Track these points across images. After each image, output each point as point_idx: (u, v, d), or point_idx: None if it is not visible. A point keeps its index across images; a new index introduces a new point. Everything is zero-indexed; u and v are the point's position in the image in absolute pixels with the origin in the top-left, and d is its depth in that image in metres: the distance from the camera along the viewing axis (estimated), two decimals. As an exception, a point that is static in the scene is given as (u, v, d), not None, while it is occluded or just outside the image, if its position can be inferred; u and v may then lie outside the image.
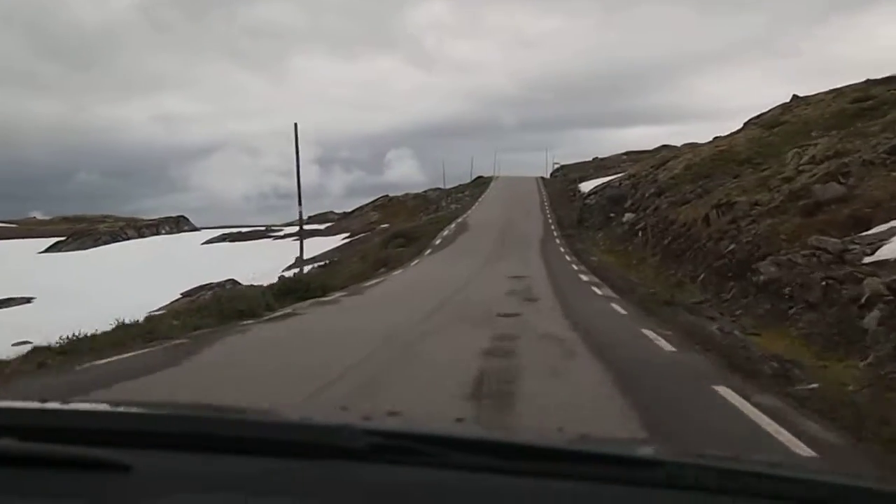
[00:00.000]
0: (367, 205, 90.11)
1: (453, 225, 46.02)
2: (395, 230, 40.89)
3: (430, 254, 33.21)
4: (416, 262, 30.16)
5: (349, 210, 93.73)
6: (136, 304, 20.62)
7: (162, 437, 1.32)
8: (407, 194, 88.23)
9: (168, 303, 32.04)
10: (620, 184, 44.13)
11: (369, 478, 1.20)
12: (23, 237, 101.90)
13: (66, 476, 1.19)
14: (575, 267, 26.96)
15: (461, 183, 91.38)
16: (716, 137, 44.65)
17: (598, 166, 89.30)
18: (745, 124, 46.16)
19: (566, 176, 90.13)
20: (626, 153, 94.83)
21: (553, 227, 45.71)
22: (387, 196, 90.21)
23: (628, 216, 37.99)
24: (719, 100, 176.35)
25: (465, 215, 51.97)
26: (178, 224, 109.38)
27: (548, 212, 55.84)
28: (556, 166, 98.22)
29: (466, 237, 39.19)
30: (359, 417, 1.44)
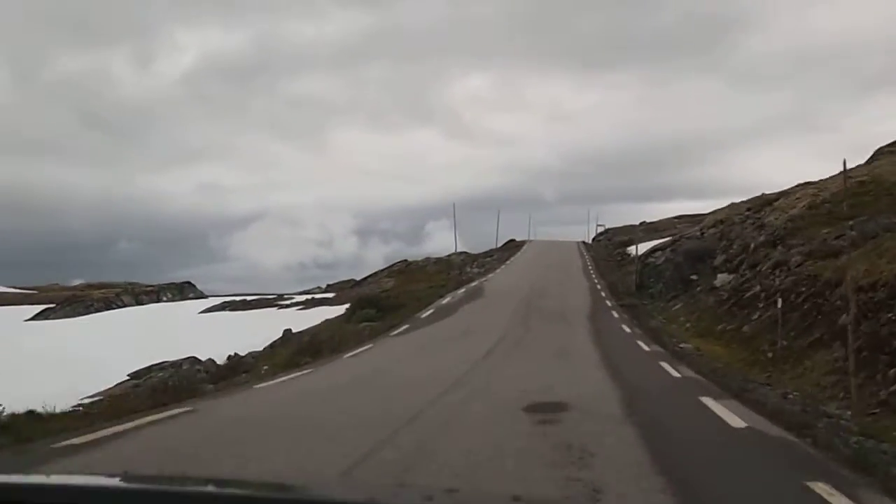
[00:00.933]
0: (382, 270, 76.92)
1: (462, 290, 32.21)
2: (364, 295, 26.88)
3: (400, 334, 19.35)
4: (363, 348, 16.19)
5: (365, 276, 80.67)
6: (77, 385, 13.56)
7: None
8: (428, 259, 74.73)
9: (111, 386, 24.42)
10: (703, 233, 30.00)
11: None
12: (34, 303, 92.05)
13: None
14: (672, 370, 12.59)
15: (491, 248, 78.02)
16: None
17: (648, 229, 75.03)
18: (877, 153, 32.04)
19: (611, 240, 75.91)
20: (679, 217, 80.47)
21: (604, 294, 31.65)
22: (405, 261, 76.90)
23: (724, 278, 23.81)
24: (760, 175, 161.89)
25: (483, 279, 38.17)
26: (183, 291, 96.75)
27: (594, 276, 41.67)
28: (601, 229, 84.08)
29: (473, 308, 25.30)
30: (421, 497, 1.47)
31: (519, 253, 62.15)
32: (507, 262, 52.12)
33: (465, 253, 73.32)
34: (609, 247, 70.89)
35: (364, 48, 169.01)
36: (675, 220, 78.27)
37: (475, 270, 52.43)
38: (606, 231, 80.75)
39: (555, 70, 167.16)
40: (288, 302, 72.82)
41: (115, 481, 1.60)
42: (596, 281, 38.08)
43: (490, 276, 40.71)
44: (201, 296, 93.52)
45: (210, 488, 1.52)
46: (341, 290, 74.67)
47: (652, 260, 32.25)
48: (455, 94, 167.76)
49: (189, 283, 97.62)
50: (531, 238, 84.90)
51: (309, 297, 73.48)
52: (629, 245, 63.44)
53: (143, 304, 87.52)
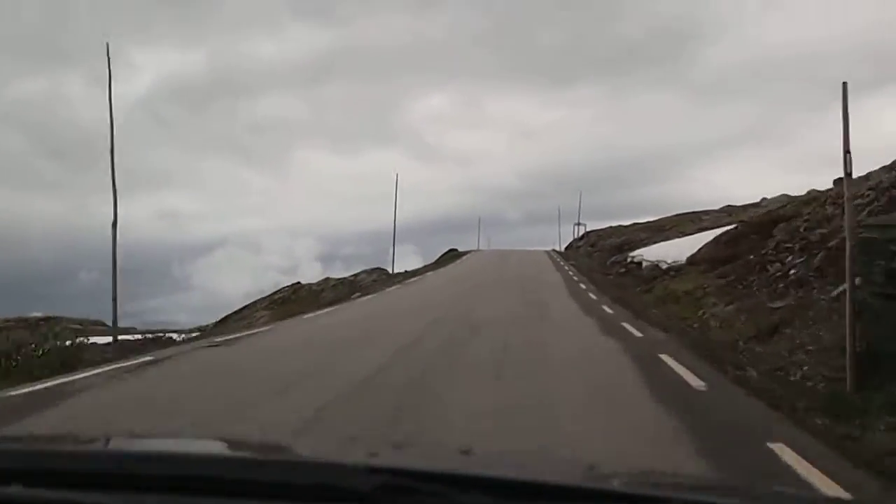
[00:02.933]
0: (263, 298, 50.12)
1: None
2: None
3: None
4: None
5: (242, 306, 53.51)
6: None
7: (161, 480, 1.23)
8: (327, 279, 48.44)
9: None
10: None
11: None
12: None
13: None
14: None
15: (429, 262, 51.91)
16: None
17: (650, 229, 49.90)
18: None
19: (595, 245, 50.47)
20: (679, 214, 55.10)
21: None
22: (298, 283, 50.45)
23: None
24: (723, 189, 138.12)
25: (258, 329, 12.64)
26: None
27: (609, 310, 15.67)
28: (581, 232, 57.96)
29: None
30: (365, 452, 1.36)
31: (452, 265, 36.41)
32: (417, 277, 26.71)
33: (381, 270, 47.23)
34: (594, 255, 45.33)
35: (324, 68, 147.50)
36: (678, 218, 53.30)
37: (358, 296, 26.67)
38: (587, 234, 55.41)
39: (517, 87, 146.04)
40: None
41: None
42: (637, 332, 12.38)
43: (336, 309, 15.16)
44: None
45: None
46: (217, 327, 47.64)
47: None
48: (417, 113, 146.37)
49: (51, 317, 69.25)
50: (480, 248, 59.25)
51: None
52: (633, 248, 38.10)
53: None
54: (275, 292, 49.04)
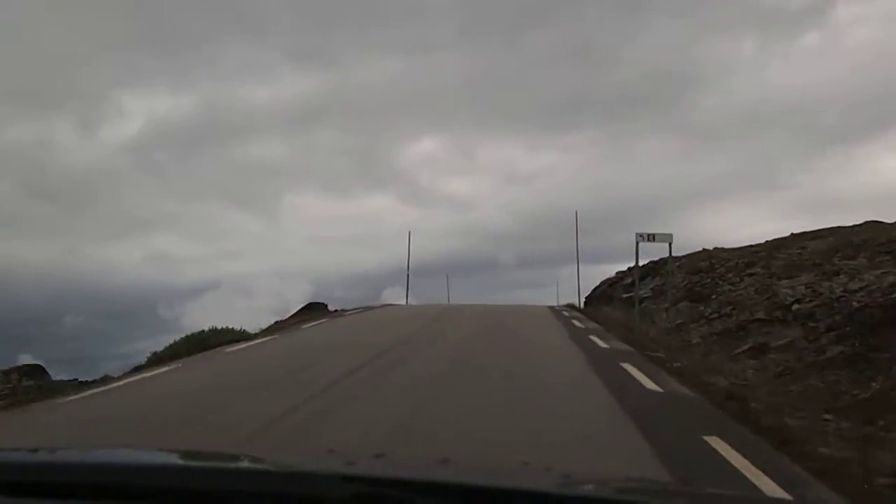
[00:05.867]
0: None
1: None
2: None
3: None
4: None
5: None
6: None
7: (133, 489, 1.20)
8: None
9: None
10: None
11: None
12: None
13: None
14: None
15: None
16: None
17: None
18: None
19: (695, 293, 18.53)
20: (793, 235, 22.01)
21: None
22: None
23: None
24: (719, 233, 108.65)
25: None
26: None
27: None
28: (642, 242, 22.18)
29: None
30: (342, 462, 1.32)
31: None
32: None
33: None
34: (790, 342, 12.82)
35: (316, 112, 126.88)
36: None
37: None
38: (665, 265, 22.49)
39: (509, 132, 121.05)
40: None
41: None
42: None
43: None
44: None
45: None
46: None
47: None
48: (409, 157, 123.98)
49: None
50: (408, 300, 27.25)
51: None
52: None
53: None
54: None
